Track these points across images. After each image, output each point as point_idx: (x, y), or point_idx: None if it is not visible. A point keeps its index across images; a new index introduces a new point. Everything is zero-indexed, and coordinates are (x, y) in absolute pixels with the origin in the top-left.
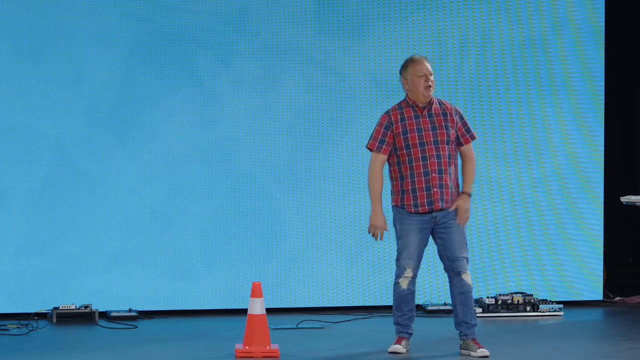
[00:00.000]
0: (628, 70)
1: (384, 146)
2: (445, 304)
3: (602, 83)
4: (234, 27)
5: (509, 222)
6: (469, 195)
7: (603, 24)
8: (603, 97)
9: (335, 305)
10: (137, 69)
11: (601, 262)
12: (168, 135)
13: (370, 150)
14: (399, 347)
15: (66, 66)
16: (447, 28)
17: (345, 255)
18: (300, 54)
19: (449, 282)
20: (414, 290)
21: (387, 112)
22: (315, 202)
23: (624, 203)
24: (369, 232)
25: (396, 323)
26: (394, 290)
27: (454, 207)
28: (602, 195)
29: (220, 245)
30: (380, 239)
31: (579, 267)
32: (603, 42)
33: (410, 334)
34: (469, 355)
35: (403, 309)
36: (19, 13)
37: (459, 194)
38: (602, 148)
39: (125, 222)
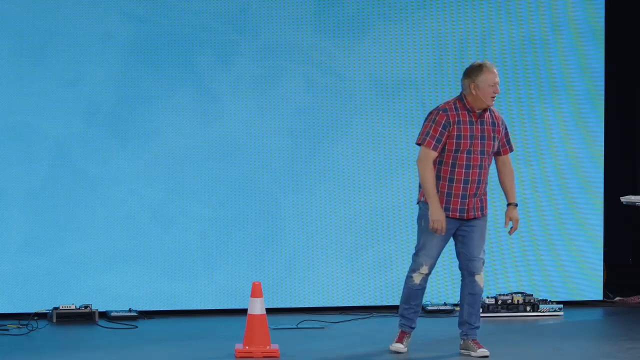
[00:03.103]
0: (628, 70)
1: (439, 145)
2: (445, 304)
3: (602, 83)
4: (234, 27)
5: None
6: (516, 205)
7: (603, 24)
8: (603, 97)
9: (335, 305)
10: (137, 69)
11: (601, 262)
12: (168, 135)
13: (424, 146)
14: (400, 347)
15: (66, 66)
16: (447, 28)
17: (345, 255)
18: (300, 54)
19: (462, 280)
20: (425, 287)
21: (445, 111)
22: (315, 201)
23: (624, 203)
24: (430, 228)
25: (401, 315)
26: (405, 283)
27: (508, 220)
28: (602, 195)
29: (220, 245)
30: (443, 232)
31: (579, 267)
32: (603, 42)
33: (413, 328)
34: (469, 355)
35: (411, 303)
36: (19, 13)
37: (487, 199)
38: (602, 148)
39: (125, 222)
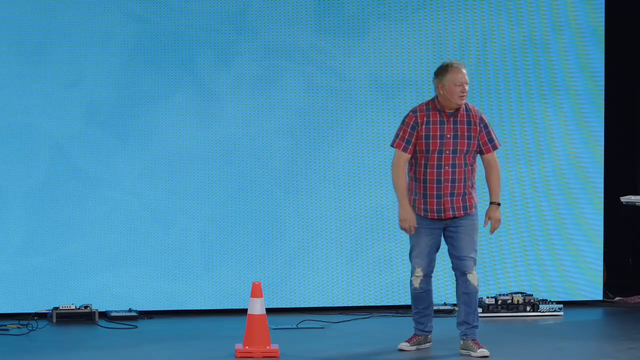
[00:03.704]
0: (628, 70)
1: (410, 147)
2: (445, 304)
3: (602, 83)
4: (234, 27)
5: (510, 222)
6: (498, 204)
7: (603, 24)
8: (603, 97)
9: (335, 305)
10: (137, 69)
11: (601, 262)
12: (168, 135)
13: (395, 148)
14: (405, 345)
15: (66, 66)
16: (447, 28)
17: (345, 255)
18: (300, 54)
19: (456, 281)
20: (429, 289)
21: (414, 112)
22: (315, 202)
23: (624, 203)
24: (400, 227)
25: (413, 319)
26: (409, 287)
27: (487, 219)
28: (602, 195)
29: (220, 245)
30: (412, 231)
31: (579, 267)
32: (603, 42)
33: (426, 332)
34: (469, 355)
35: (418, 307)
36: (19, 13)
37: (473, 198)
38: (602, 148)
39: (125, 222)
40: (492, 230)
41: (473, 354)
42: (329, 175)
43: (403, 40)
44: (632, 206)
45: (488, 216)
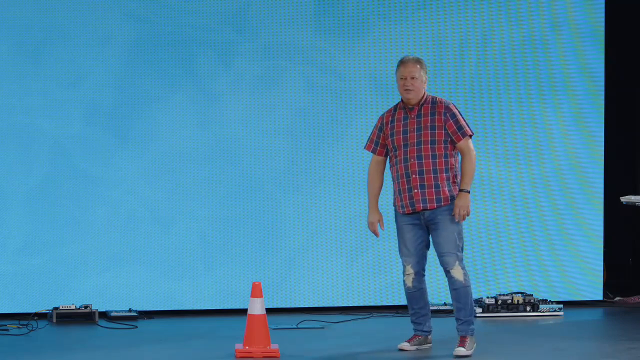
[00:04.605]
0: (628, 70)
1: (378, 148)
2: (445, 304)
3: (602, 83)
4: (234, 27)
5: (510, 222)
6: (467, 192)
7: (603, 24)
8: (603, 97)
9: (335, 305)
10: (137, 69)
11: (601, 262)
12: (168, 135)
13: (367, 150)
14: (405, 345)
15: (66, 66)
16: (447, 28)
17: (345, 255)
18: (300, 54)
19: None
20: (423, 288)
21: (382, 115)
22: (315, 202)
23: (624, 203)
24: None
25: (410, 320)
26: (403, 288)
27: (455, 207)
28: (602, 195)
29: (220, 245)
30: (377, 235)
31: (579, 267)
32: (603, 42)
33: (425, 332)
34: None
35: (414, 307)
36: (19, 13)
37: (448, 192)
38: (602, 148)
39: (125, 222)
40: (457, 218)
41: (454, 352)
42: (329, 175)
43: (403, 40)
44: (632, 206)
45: (455, 203)
